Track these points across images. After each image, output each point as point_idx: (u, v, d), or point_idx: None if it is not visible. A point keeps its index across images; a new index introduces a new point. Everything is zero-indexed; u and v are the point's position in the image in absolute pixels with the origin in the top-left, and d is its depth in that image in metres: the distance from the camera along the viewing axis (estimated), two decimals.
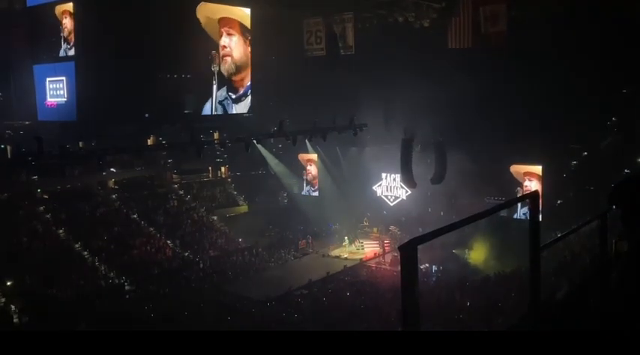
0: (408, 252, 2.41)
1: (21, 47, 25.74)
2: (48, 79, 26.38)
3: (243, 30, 27.03)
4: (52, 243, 27.67)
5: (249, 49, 27.51)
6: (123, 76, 23.25)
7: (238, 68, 27.10)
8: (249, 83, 27.99)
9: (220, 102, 26.98)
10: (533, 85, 26.71)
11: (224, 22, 26.39)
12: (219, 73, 26.37)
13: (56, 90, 26.62)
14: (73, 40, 23.83)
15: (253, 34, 28.31)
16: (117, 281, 26.75)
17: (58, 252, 27.10)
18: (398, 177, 31.83)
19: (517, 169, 29.89)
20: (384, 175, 34.48)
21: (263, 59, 32.94)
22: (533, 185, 29.40)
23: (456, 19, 26.59)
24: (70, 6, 23.50)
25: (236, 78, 27.31)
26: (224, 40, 26.37)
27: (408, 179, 27.64)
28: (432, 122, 26.18)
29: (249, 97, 28.22)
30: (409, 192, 32.31)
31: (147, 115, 25.89)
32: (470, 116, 27.99)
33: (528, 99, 27.08)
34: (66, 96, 26.52)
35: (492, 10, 25.06)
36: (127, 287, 26.63)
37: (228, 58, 26.66)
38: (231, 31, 26.61)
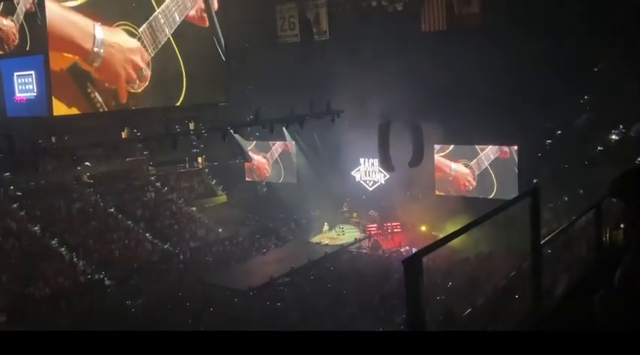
0: (413, 266, 2.31)
1: None
2: (16, 74, 25.83)
3: None
4: (27, 240, 27.19)
5: None
6: None
7: None
8: None
9: None
10: (505, 65, 26.86)
11: None
12: None
13: (25, 85, 26.10)
14: None
15: (227, 21, 28.02)
16: (96, 277, 26.43)
17: (34, 250, 26.66)
18: (376, 161, 31.91)
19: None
20: (362, 160, 34.57)
21: (237, 47, 32.72)
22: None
23: (429, 2, 26.59)
24: None
25: None
26: None
27: (386, 163, 27.70)
28: (408, 105, 26.19)
29: None
30: (387, 176, 32.45)
31: None
32: (444, 98, 28.11)
33: (501, 79, 27.24)
34: (35, 91, 26.01)
35: None
36: (106, 283, 26.33)
37: None
38: None
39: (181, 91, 30.96)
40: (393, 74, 26.63)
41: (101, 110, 27.92)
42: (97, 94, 27.46)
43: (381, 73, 27.29)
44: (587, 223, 5.04)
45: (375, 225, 32.33)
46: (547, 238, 4.06)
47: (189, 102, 31.43)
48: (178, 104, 31.11)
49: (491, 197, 29.37)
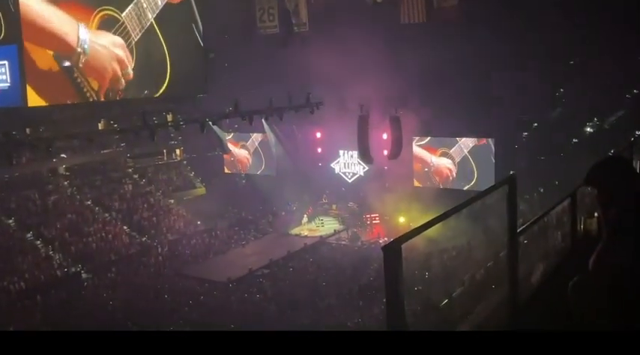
0: (392, 253, 2.33)
1: None
2: None
3: None
4: (1, 234, 26.73)
5: None
6: None
7: None
8: None
9: None
10: (483, 57, 27.09)
11: None
12: None
13: None
14: None
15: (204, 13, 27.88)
16: (73, 270, 26.12)
17: (8, 243, 26.22)
18: (355, 153, 31.99)
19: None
20: (341, 152, 34.66)
21: (216, 38, 32.47)
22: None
23: None
24: None
25: None
26: None
27: (365, 155, 27.75)
28: (387, 97, 26.28)
29: None
30: (366, 168, 32.57)
31: None
32: (423, 90, 28.25)
33: (478, 72, 27.48)
34: (9, 81, 25.60)
35: None
36: (83, 276, 26.04)
37: None
38: None
39: (165, 78, 30.79)
40: (373, 66, 26.65)
41: (91, 99, 27.87)
42: (86, 83, 27.44)
43: (361, 65, 27.29)
44: (563, 212, 5.14)
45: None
46: (523, 227, 4.13)
47: (172, 91, 31.22)
48: (162, 90, 30.88)
49: (466, 189, 29.69)
